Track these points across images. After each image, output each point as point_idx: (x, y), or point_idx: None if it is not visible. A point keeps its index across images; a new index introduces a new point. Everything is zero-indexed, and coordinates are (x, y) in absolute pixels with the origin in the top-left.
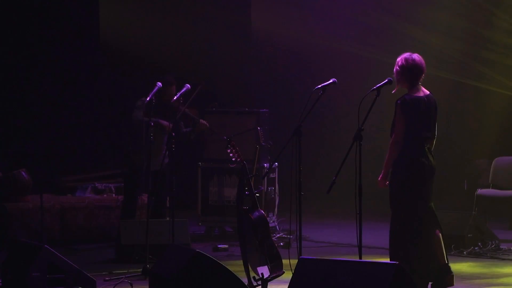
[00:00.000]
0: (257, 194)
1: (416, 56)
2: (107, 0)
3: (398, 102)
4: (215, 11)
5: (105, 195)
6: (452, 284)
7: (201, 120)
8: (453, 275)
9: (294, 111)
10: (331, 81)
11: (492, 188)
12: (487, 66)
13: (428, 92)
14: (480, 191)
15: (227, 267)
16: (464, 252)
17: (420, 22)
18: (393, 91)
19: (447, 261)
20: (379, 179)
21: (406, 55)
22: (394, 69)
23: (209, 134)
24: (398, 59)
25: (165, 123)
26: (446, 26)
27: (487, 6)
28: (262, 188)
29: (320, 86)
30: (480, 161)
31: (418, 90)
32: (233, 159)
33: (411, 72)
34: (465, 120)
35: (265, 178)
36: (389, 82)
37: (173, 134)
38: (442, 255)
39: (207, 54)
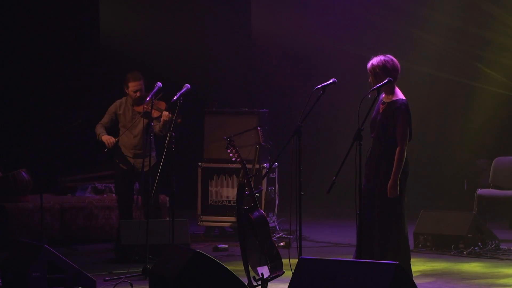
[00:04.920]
0: (257, 194)
1: (392, 57)
2: (107, 0)
3: (403, 107)
4: (215, 11)
5: (105, 195)
6: None
7: (163, 112)
8: None
9: (294, 111)
10: (331, 81)
11: (492, 188)
12: (487, 66)
13: None
14: (480, 191)
15: (227, 267)
16: (464, 252)
17: (420, 22)
18: (369, 96)
19: None
20: (390, 188)
21: (383, 57)
22: (373, 71)
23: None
24: (376, 61)
25: (104, 138)
26: (446, 26)
27: (489, 6)
28: (262, 188)
29: (320, 86)
30: (480, 161)
31: (398, 92)
32: (233, 159)
33: (394, 74)
34: (465, 120)
35: (265, 178)
36: (389, 82)
37: (173, 134)
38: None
39: (207, 54)
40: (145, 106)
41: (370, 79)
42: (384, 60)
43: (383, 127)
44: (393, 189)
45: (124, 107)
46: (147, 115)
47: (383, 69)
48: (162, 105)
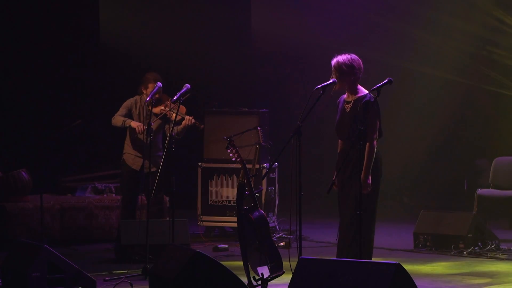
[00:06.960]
0: (257, 194)
1: (357, 56)
2: (107, 1)
3: (373, 100)
4: (215, 11)
5: (105, 195)
6: None
7: (186, 116)
8: None
9: (294, 111)
10: (331, 81)
11: (492, 188)
12: (488, 67)
13: None
14: (480, 191)
15: (227, 267)
16: (464, 252)
17: (420, 22)
18: (331, 93)
19: None
20: (364, 183)
21: (349, 56)
22: (339, 69)
23: (197, 127)
24: (343, 59)
25: (135, 124)
26: (446, 27)
27: (490, 6)
28: (262, 188)
29: (320, 86)
30: (480, 161)
31: (362, 90)
32: (233, 159)
33: (359, 73)
34: (465, 120)
35: (265, 178)
36: (389, 82)
37: (173, 134)
38: None
39: (207, 54)
40: (164, 108)
41: (332, 76)
42: (351, 58)
43: (355, 123)
44: (367, 183)
45: (139, 106)
46: (165, 117)
47: (350, 68)
48: (183, 109)
